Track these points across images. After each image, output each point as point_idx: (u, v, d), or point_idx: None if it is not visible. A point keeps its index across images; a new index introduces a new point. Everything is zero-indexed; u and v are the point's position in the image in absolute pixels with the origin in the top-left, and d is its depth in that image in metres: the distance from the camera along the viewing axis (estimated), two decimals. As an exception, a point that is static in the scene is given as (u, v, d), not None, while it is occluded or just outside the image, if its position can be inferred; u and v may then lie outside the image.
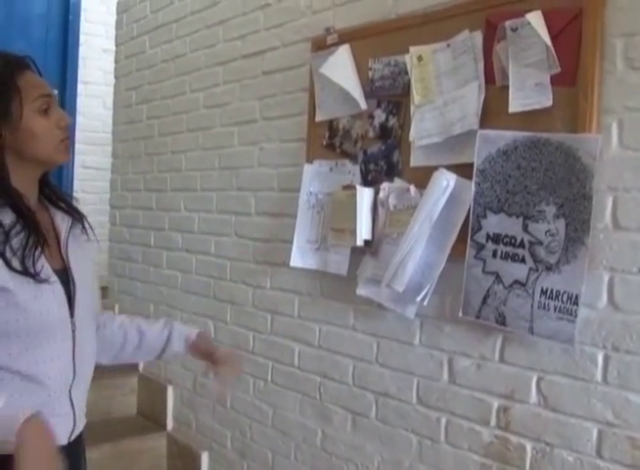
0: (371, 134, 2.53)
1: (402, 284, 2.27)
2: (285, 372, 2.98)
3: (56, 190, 1.81)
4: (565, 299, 1.92)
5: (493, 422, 2.18)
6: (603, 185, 1.89)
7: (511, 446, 2.13)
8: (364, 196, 2.45)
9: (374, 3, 2.57)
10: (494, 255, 2.09)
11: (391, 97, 2.46)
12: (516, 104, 2.04)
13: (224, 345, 3.31)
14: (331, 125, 2.70)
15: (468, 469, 2.25)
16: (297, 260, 2.79)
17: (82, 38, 5.52)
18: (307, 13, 2.87)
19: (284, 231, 2.93)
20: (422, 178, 2.27)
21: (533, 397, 2.07)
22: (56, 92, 1.70)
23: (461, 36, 2.20)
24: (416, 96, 2.33)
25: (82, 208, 1.86)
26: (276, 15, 3.05)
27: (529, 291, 2.00)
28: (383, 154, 2.48)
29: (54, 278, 1.62)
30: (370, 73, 2.52)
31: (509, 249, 2.05)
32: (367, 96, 2.54)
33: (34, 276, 1.54)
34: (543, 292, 1.97)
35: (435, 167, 2.23)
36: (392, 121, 2.45)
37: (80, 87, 5.51)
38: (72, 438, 1.71)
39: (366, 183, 2.53)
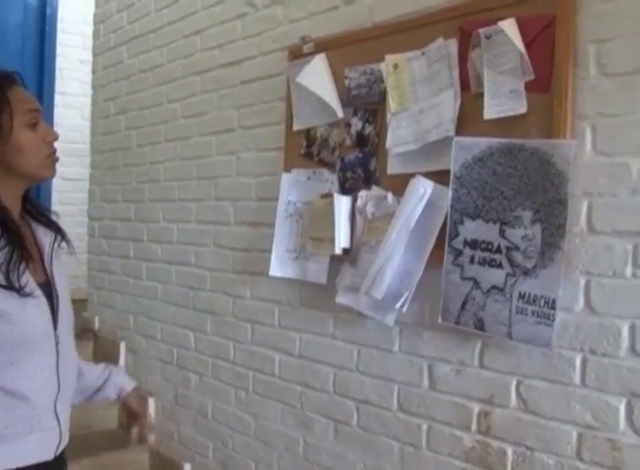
0: (348, 142, 2.54)
1: (381, 292, 2.27)
2: (266, 382, 2.98)
3: (37, 205, 1.81)
4: (542, 303, 1.93)
5: (474, 427, 2.18)
6: (578, 190, 1.90)
7: (492, 450, 2.13)
8: (342, 204, 2.46)
9: (349, 12, 2.58)
10: (472, 260, 2.10)
11: (368, 105, 2.47)
12: (491, 111, 2.05)
13: (205, 355, 3.32)
14: (308, 134, 2.70)
15: (449, 475, 2.26)
16: (276, 270, 2.79)
17: (59, 49, 5.51)
18: (284, 22, 2.88)
19: (263, 240, 2.93)
20: (399, 186, 2.28)
21: (513, 401, 2.08)
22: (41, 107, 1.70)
23: (436, 44, 2.22)
24: (392, 104, 2.34)
25: (61, 219, 1.86)
26: (253, 24, 3.06)
27: (507, 296, 2.01)
28: (360, 162, 2.49)
29: (38, 292, 1.63)
30: (346, 82, 2.53)
31: (486, 254, 2.06)
32: (344, 104, 2.55)
33: (19, 290, 1.55)
34: (521, 296, 1.98)
35: (412, 175, 2.24)
36: (369, 129, 2.46)
37: (58, 98, 5.50)
38: (58, 452, 1.71)
39: (344, 191, 2.54)
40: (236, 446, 3.16)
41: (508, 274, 2.01)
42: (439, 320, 2.19)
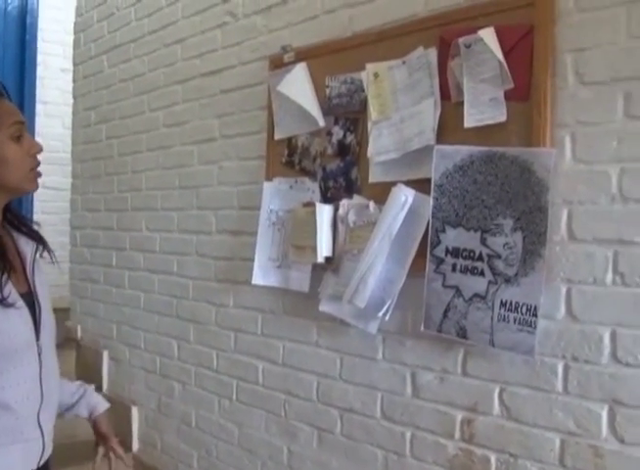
0: (329, 151, 2.54)
1: (364, 300, 2.28)
2: (249, 390, 2.97)
3: (18, 214, 1.80)
4: (524, 310, 1.94)
5: (457, 435, 2.19)
6: (558, 198, 1.92)
7: (475, 458, 2.14)
8: (324, 213, 2.46)
9: (330, 21, 2.59)
10: (454, 268, 2.11)
11: (349, 114, 2.48)
12: (471, 119, 2.06)
13: (188, 364, 3.31)
14: (289, 143, 2.71)
15: (433, 482, 2.26)
16: (258, 278, 2.79)
17: (40, 58, 5.50)
18: (264, 31, 2.89)
19: (245, 249, 2.93)
20: (381, 194, 2.29)
21: (496, 408, 2.09)
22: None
23: (416, 53, 2.23)
24: (373, 113, 2.35)
25: (43, 229, 1.85)
26: (233, 33, 3.06)
27: (489, 304, 2.02)
28: (341, 171, 2.49)
29: (20, 303, 1.62)
30: (327, 91, 2.54)
31: (468, 262, 2.07)
32: (325, 113, 2.56)
33: (1, 301, 1.54)
34: (503, 304, 1.99)
35: (394, 183, 2.24)
36: (350, 138, 2.46)
37: (39, 107, 5.48)
38: (42, 462, 1.70)
39: (326, 200, 2.54)
40: (220, 455, 3.15)
41: (490, 282, 2.02)
42: (422, 328, 2.20)
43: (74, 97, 4.42)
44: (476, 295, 2.05)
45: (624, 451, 1.82)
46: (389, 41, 2.33)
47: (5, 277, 1.57)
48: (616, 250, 1.83)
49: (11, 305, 1.57)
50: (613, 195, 1.83)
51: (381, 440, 2.42)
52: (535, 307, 1.92)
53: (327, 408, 2.61)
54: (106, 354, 3.97)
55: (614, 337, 1.84)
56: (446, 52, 2.13)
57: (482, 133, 2.05)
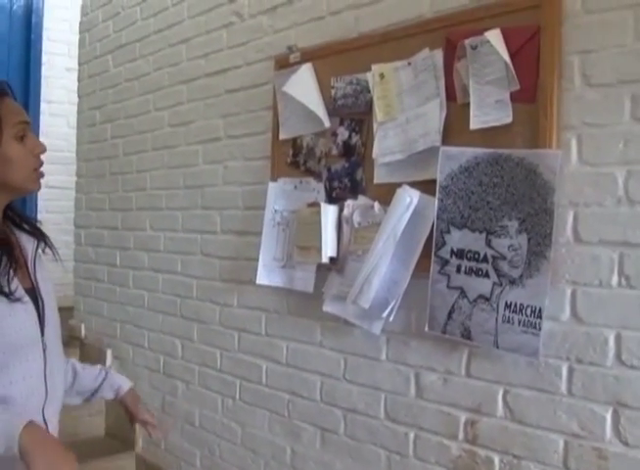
0: (334, 152, 2.54)
1: (368, 300, 2.28)
2: (253, 390, 2.98)
3: (19, 212, 1.81)
4: (529, 312, 1.94)
5: (461, 436, 2.19)
6: (564, 200, 1.91)
7: (479, 459, 2.14)
8: (329, 213, 2.46)
9: (336, 22, 2.59)
10: (458, 270, 2.11)
11: (354, 115, 2.48)
12: (476, 121, 2.06)
13: (192, 363, 3.31)
14: (295, 143, 2.71)
15: (437, 483, 2.26)
16: (263, 278, 2.79)
17: (45, 57, 5.50)
18: (270, 32, 2.89)
19: (249, 249, 2.93)
20: (385, 195, 2.29)
21: (500, 410, 2.09)
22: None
23: (422, 54, 2.23)
24: (378, 113, 2.35)
25: (47, 227, 1.87)
26: (239, 33, 3.06)
27: (494, 305, 2.02)
28: (346, 171, 2.50)
29: (26, 298, 1.64)
30: (332, 92, 2.54)
31: (473, 264, 2.07)
32: (330, 114, 2.56)
33: (8, 295, 1.55)
34: (507, 306, 1.99)
35: (399, 184, 2.24)
36: (355, 139, 2.46)
37: (44, 106, 5.48)
38: None
39: (330, 201, 2.54)
40: (223, 454, 3.15)
41: (494, 284, 2.02)
42: (426, 329, 2.20)
43: (79, 96, 4.43)
44: (480, 296, 2.05)
45: (628, 454, 1.82)
46: (395, 42, 2.33)
47: (12, 272, 1.59)
48: (621, 252, 1.83)
49: (17, 300, 1.59)
50: (619, 197, 1.83)
51: (384, 440, 2.42)
52: (540, 309, 1.92)
53: (330, 408, 2.61)
54: (109, 353, 3.97)
55: (618, 339, 1.83)
56: (452, 53, 2.13)
57: (488, 135, 2.05)
